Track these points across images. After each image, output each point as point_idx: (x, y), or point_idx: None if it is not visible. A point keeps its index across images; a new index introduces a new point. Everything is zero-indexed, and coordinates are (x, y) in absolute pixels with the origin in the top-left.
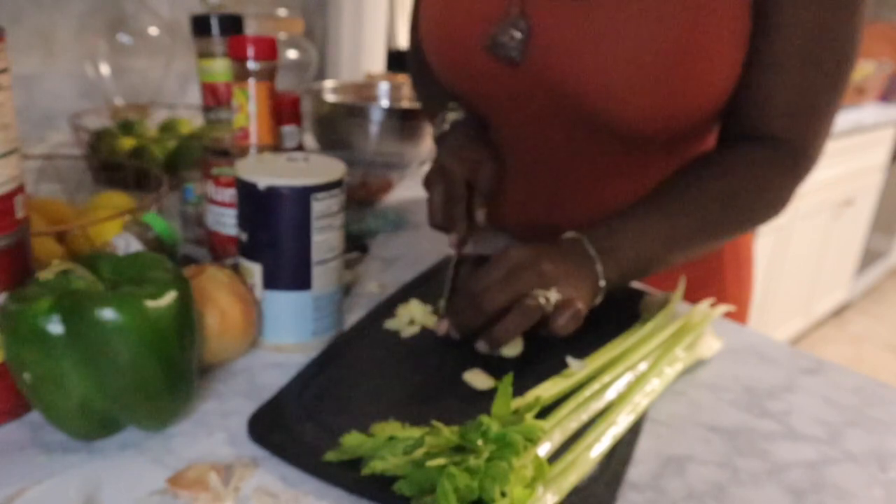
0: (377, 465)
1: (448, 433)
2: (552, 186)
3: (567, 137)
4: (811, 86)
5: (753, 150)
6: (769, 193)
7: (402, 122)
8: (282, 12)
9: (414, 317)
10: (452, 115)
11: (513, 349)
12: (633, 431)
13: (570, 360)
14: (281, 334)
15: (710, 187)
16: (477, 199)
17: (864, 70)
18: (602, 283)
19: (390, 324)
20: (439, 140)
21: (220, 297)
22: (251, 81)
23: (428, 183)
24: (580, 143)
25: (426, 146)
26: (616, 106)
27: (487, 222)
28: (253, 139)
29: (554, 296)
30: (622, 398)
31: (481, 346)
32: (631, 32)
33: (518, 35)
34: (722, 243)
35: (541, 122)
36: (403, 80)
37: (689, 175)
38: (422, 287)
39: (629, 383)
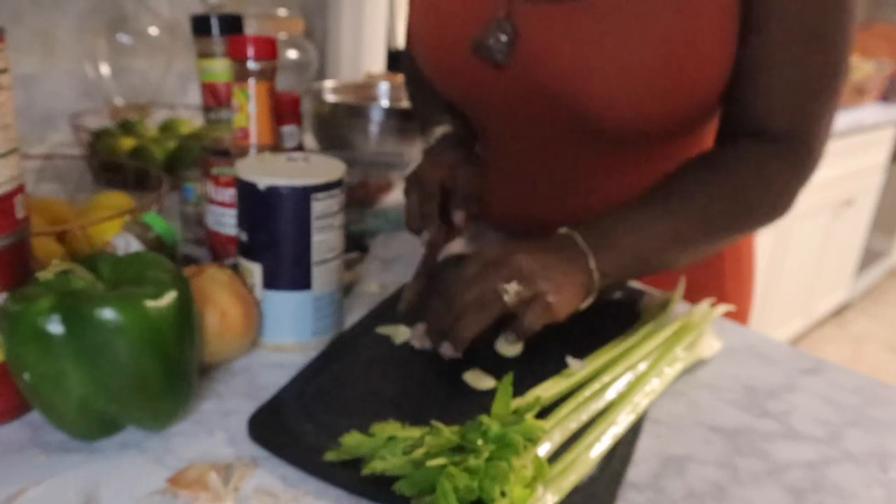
0: (377, 465)
1: (448, 433)
2: (543, 185)
3: (556, 137)
4: (805, 79)
5: (754, 146)
6: (774, 188)
7: (402, 122)
8: (282, 12)
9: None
10: (440, 130)
11: (513, 349)
12: (633, 431)
13: (570, 360)
14: (281, 334)
15: (714, 183)
16: (454, 200)
17: (864, 70)
18: (596, 277)
19: (384, 330)
20: (426, 154)
21: (220, 297)
22: (251, 81)
23: (406, 191)
24: (570, 142)
25: None
26: (603, 108)
27: (480, 221)
28: (253, 139)
29: (514, 287)
30: (622, 398)
31: (446, 349)
32: (618, 36)
33: (504, 38)
34: (729, 242)
35: (530, 123)
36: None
37: (689, 171)
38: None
39: (629, 383)
